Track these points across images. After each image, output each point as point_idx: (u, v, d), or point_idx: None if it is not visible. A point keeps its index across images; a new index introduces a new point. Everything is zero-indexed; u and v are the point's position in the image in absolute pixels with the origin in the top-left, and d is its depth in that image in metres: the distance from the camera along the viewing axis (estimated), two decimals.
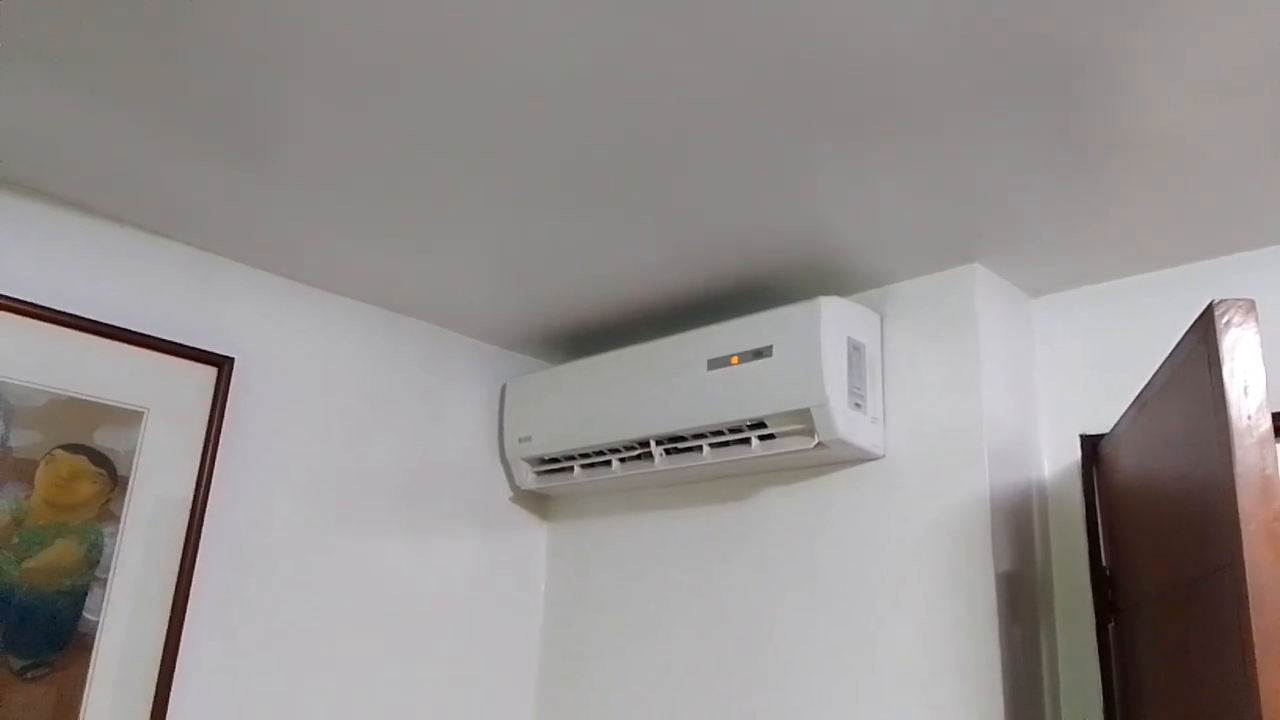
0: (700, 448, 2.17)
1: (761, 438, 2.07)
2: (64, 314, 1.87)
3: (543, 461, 2.50)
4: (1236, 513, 1.22)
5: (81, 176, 1.81)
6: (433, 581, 2.42)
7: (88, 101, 1.56)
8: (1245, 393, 1.25)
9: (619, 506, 2.56)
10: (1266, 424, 1.24)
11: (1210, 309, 1.30)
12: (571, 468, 2.44)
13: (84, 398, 1.88)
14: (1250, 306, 1.29)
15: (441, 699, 2.38)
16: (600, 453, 2.36)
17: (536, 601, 2.65)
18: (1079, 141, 1.58)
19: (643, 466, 2.28)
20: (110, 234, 1.97)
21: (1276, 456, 1.24)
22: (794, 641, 2.10)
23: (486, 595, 2.53)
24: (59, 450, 1.84)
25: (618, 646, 2.44)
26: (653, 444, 2.25)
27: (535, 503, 2.71)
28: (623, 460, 2.33)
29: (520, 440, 2.51)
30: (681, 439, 2.20)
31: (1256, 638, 1.17)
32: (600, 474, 2.37)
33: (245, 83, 1.50)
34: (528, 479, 2.54)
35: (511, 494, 2.65)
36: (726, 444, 2.14)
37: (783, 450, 2.04)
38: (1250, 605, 1.18)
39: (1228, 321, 1.29)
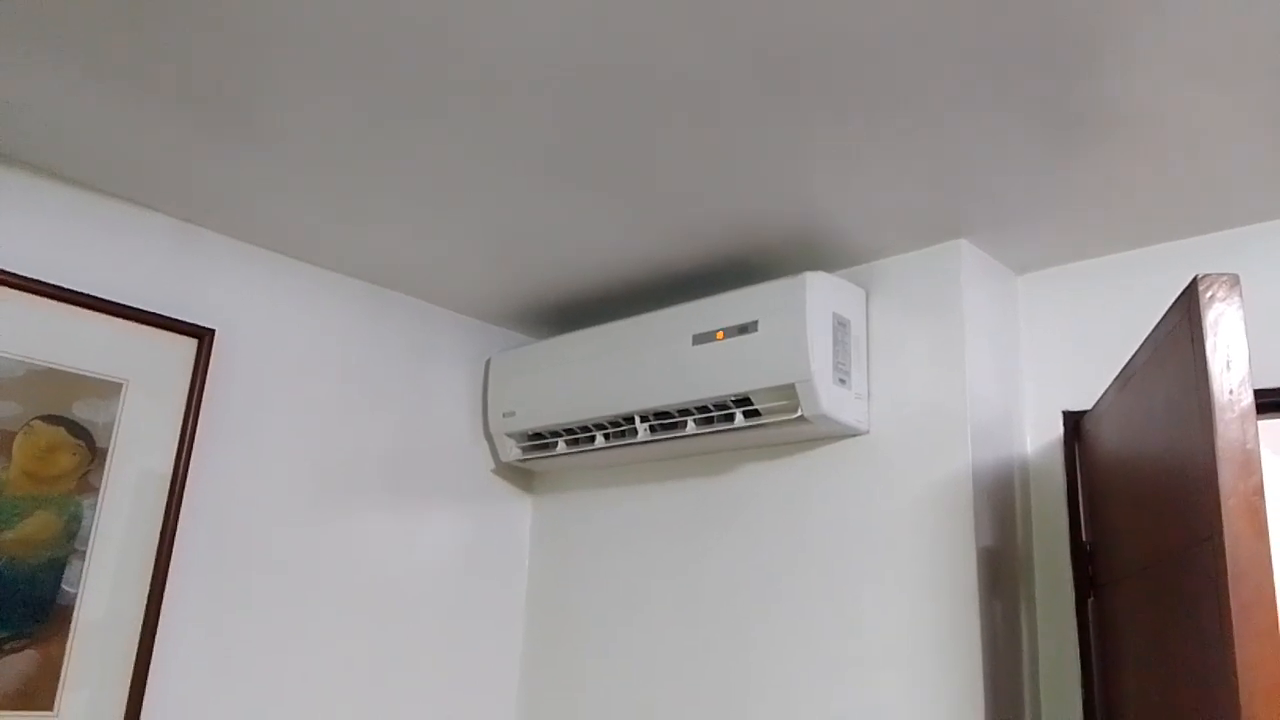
0: (685, 423, 2.17)
1: (746, 413, 2.07)
2: (43, 284, 1.84)
3: (527, 437, 2.49)
4: (1217, 487, 1.22)
5: (62, 146, 1.78)
6: (416, 556, 2.41)
7: (67, 71, 1.53)
8: (1228, 367, 1.25)
9: (604, 481, 2.55)
10: (1248, 399, 1.24)
11: (1194, 283, 1.30)
12: (556, 443, 2.43)
13: (63, 369, 1.86)
14: (1234, 281, 1.29)
15: (425, 673, 2.38)
16: (585, 428, 2.36)
17: (521, 576, 2.65)
18: (1066, 120, 1.58)
19: (627, 442, 2.28)
20: (91, 204, 1.94)
21: (1258, 431, 1.24)
22: (778, 615, 2.11)
23: (471, 570, 2.53)
24: (37, 421, 1.82)
25: (602, 620, 2.44)
26: (637, 419, 2.24)
27: (520, 477, 2.70)
28: (607, 436, 2.32)
29: (504, 415, 2.50)
30: (666, 414, 2.20)
31: (1235, 610, 1.18)
32: (585, 449, 2.37)
33: (230, 53, 1.47)
34: (512, 454, 2.54)
35: (496, 469, 2.64)
36: (711, 419, 2.14)
37: (767, 425, 2.05)
38: (1229, 578, 1.19)
39: (1211, 296, 1.29)
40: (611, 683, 2.37)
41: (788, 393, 1.98)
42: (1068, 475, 2.03)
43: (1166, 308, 1.48)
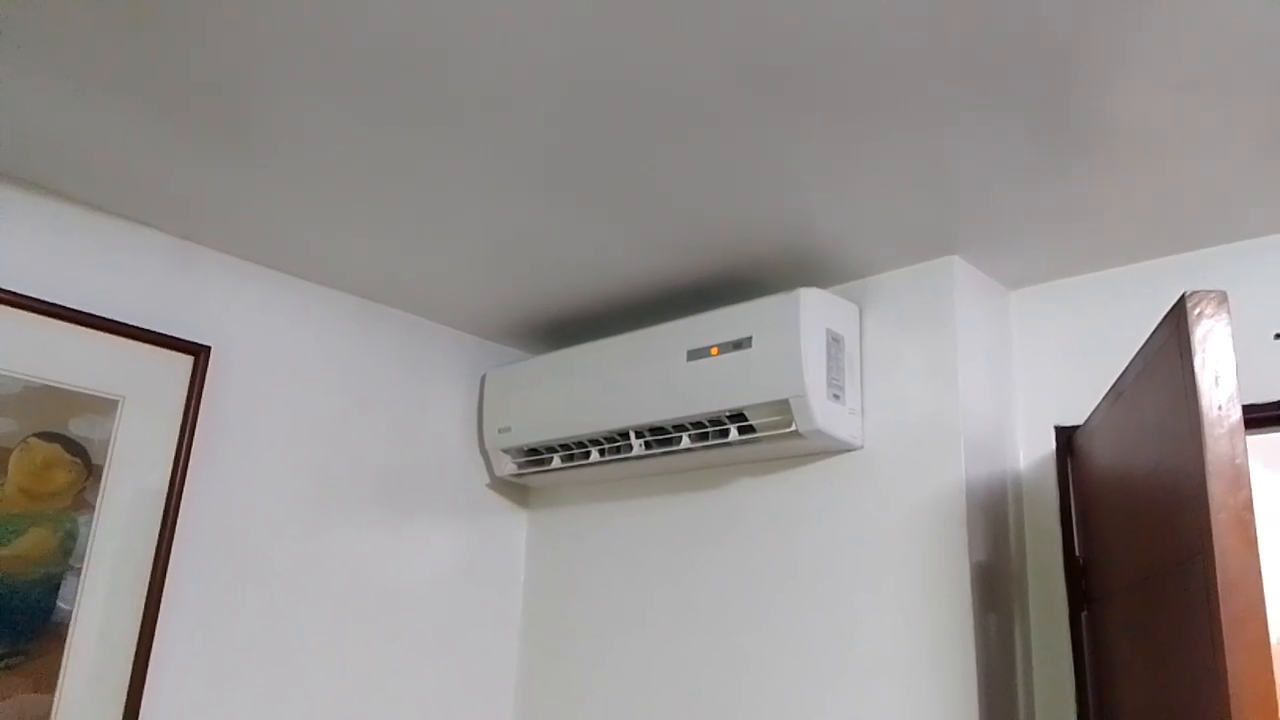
0: (680, 438, 2.18)
1: (741, 428, 2.08)
2: (39, 301, 1.85)
3: (522, 452, 2.50)
4: (1207, 501, 1.23)
5: (57, 162, 1.79)
6: (412, 571, 2.41)
7: (63, 85, 1.54)
8: (1216, 383, 1.27)
9: (599, 496, 2.56)
10: (1237, 414, 1.25)
11: (1183, 300, 1.32)
12: (551, 458, 2.44)
13: (59, 385, 1.87)
14: (1222, 298, 1.31)
15: (421, 687, 2.38)
16: (580, 443, 2.36)
17: (516, 590, 2.65)
18: (1058, 136, 1.60)
19: (622, 457, 2.28)
20: (86, 220, 1.95)
21: (1246, 446, 1.25)
22: (772, 630, 2.11)
23: (466, 584, 2.53)
24: (33, 438, 1.82)
25: (597, 634, 2.44)
26: (632, 435, 2.25)
27: (515, 492, 2.71)
28: (602, 451, 2.33)
29: (500, 431, 2.51)
30: (661, 430, 2.20)
31: (1225, 624, 1.19)
32: (580, 464, 2.37)
33: (226, 68, 1.48)
34: (507, 469, 2.54)
35: (491, 483, 2.65)
36: (706, 435, 2.14)
37: (761, 441, 2.05)
38: (1220, 592, 1.20)
39: (1200, 313, 1.30)
40: (607, 696, 2.37)
41: (782, 408, 1.99)
42: (1060, 490, 2.04)
43: (1157, 322, 1.49)
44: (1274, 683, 1.16)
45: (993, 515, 1.99)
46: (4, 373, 1.80)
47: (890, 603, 1.95)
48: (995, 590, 1.94)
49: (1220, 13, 1.29)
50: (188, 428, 2.02)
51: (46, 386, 1.85)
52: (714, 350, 2.10)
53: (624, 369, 2.25)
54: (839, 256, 2.08)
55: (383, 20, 1.36)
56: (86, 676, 1.82)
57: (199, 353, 2.06)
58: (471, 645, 2.51)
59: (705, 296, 2.30)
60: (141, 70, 1.50)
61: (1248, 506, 1.22)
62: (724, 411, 2.07)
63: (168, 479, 1.98)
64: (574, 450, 2.39)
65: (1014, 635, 1.97)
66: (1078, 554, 1.98)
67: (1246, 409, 1.32)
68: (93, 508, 1.88)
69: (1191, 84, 1.45)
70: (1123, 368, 1.75)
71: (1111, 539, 1.75)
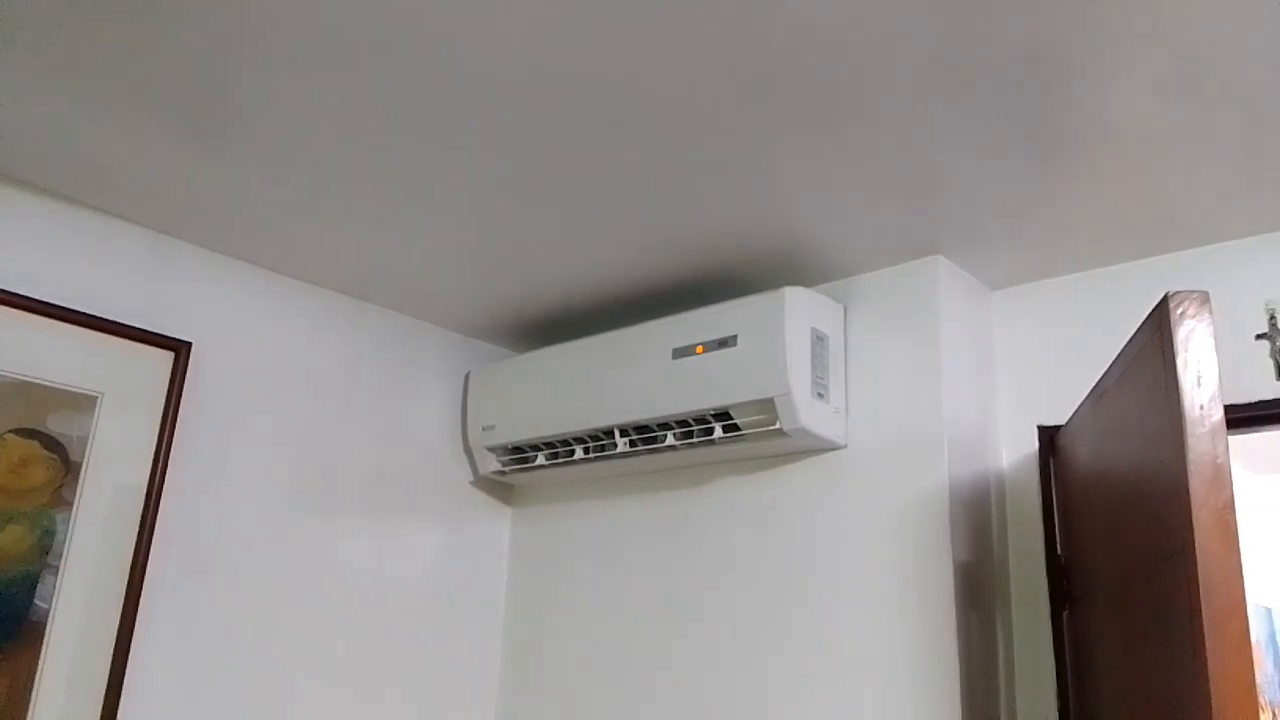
0: (664, 437, 2.18)
1: (725, 427, 2.08)
2: (17, 296, 1.82)
3: (506, 450, 2.49)
4: (1189, 500, 1.24)
5: (35, 157, 1.77)
6: (395, 569, 2.40)
7: (40, 79, 1.52)
8: (1198, 383, 1.27)
9: (583, 494, 2.55)
10: (1218, 414, 1.26)
11: (1165, 301, 1.33)
12: (535, 456, 2.43)
13: (37, 381, 1.84)
14: (1205, 299, 1.31)
15: (404, 686, 2.37)
16: (564, 441, 2.36)
17: (499, 588, 2.64)
18: (1041, 137, 1.60)
19: (606, 455, 2.28)
20: (65, 215, 1.93)
21: (1228, 446, 1.26)
22: (755, 627, 2.11)
23: (449, 582, 2.52)
24: (11, 434, 1.80)
25: (580, 632, 2.43)
26: (616, 433, 2.24)
27: (499, 490, 2.70)
28: (586, 449, 2.33)
29: (484, 429, 2.50)
30: (646, 428, 2.20)
31: (1206, 622, 1.19)
32: (564, 462, 2.37)
33: (208, 61, 1.47)
34: (491, 467, 2.53)
35: (475, 481, 2.64)
36: (690, 433, 2.14)
37: (746, 439, 2.05)
38: (1201, 590, 1.20)
39: (1182, 313, 1.31)
40: (590, 693, 2.37)
41: (766, 407, 1.99)
42: (1042, 489, 2.05)
43: (1139, 323, 1.50)
44: (1255, 682, 1.16)
45: (975, 514, 2.00)
46: None
47: (873, 601, 1.96)
48: (977, 588, 1.95)
49: (1198, 18, 1.30)
50: (167, 425, 2.00)
51: (24, 382, 1.83)
52: (699, 349, 2.10)
53: (609, 367, 2.25)
54: (824, 256, 2.09)
55: (368, 12, 1.35)
56: (64, 675, 1.80)
57: (179, 349, 2.04)
58: (455, 643, 2.50)
59: (690, 295, 2.30)
60: (119, 61, 1.48)
61: (1229, 506, 1.23)
62: (709, 410, 2.07)
63: (147, 476, 1.96)
64: (558, 449, 2.38)
65: (996, 634, 1.98)
66: (1060, 553, 1.99)
67: (1228, 409, 1.32)
68: (71, 505, 1.86)
69: (1171, 87, 1.45)
70: (1105, 368, 1.76)
71: (1093, 538, 1.76)
